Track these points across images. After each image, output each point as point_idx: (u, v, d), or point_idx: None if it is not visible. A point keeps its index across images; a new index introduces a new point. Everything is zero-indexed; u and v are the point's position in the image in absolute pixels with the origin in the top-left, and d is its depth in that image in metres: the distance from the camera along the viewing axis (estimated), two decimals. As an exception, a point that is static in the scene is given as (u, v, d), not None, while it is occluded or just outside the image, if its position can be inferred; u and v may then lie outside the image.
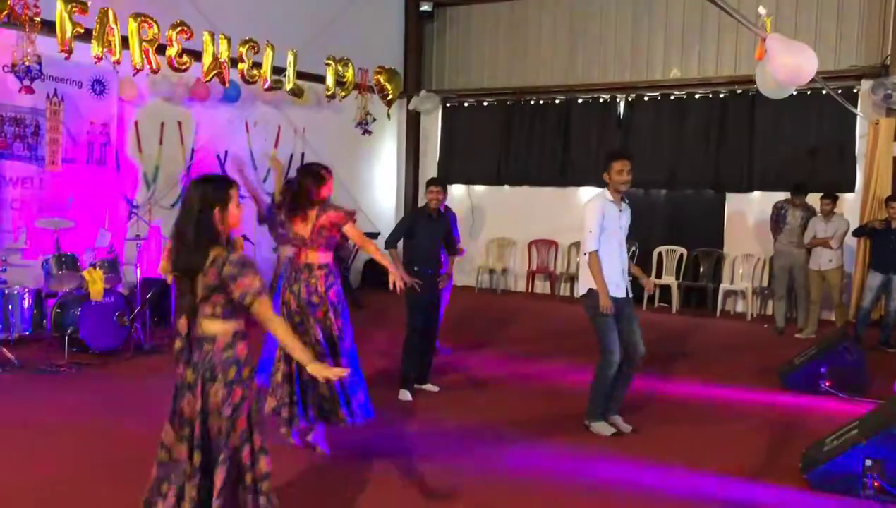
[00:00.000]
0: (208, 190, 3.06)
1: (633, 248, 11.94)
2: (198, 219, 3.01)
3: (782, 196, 10.07)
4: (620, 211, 5.61)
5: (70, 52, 7.83)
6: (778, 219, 9.97)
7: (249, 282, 2.98)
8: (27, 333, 7.86)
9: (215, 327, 3.06)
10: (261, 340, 5.45)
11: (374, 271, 12.39)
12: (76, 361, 7.25)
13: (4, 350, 7.13)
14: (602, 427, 5.70)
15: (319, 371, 3.07)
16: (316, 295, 4.93)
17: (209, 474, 3.09)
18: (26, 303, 7.86)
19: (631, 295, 5.74)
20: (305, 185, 4.97)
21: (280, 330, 3.12)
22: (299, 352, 3.13)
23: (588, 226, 5.49)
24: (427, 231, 6.73)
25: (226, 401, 3.06)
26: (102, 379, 6.89)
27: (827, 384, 6.87)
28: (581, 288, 5.73)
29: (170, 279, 3.25)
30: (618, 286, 5.57)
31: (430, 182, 6.93)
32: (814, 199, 9.79)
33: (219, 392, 3.06)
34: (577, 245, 12.56)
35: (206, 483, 3.08)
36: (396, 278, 5.12)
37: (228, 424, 3.06)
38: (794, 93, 10.15)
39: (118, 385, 6.75)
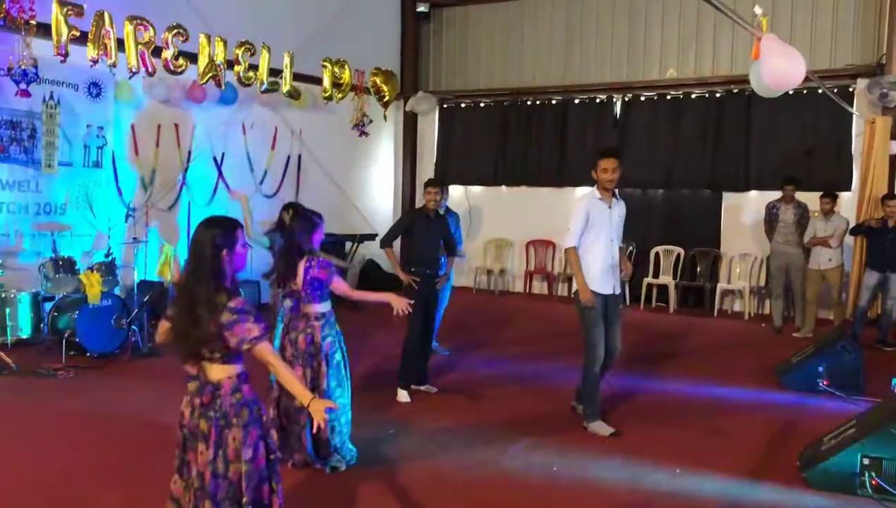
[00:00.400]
0: (217, 233, 3.06)
1: (631, 248, 11.94)
2: (210, 264, 3.01)
3: (779, 195, 10.09)
4: (611, 207, 5.71)
5: (66, 55, 7.82)
6: (771, 218, 9.99)
7: (248, 330, 2.95)
8: (24, 337, 7.85)
9: (219, 373, 3.03)
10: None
11: (373, 273, 12.40)
12: (74, 364, 7.24)
13: (2, 353, 7.12)
14: (600, 427, 5.71)
15: (318, 409, 3.03)
16: (313, 345, 4.91)
17: None
18: (24, 307, 7.86)
19: (619, 292, 5.82)
20: (296, 234, 4.97)
21: (282, 370, 3.09)
22: (301, 391, 3.09)
23: (569, 224, 5.69)
24: (425, 232, 6.74)
25: (245, 443, 3.04)
26: (100, 383, 6.89)
27: (824, 383, 6.88)
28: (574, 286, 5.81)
29: (165, 332, 3.19)
30: (604, 282, 5.67)
31: (428, 183, 6.96)
32: (810, 198, 9.81)
33: (237, 436, 3.04)
34: (574, 245, 12.57)
35: None
36: (398, 307, 5.02)
37: (249, 466, 3.05)
38: (791, 92, 10.22)
39: (116, 388, 6.74)
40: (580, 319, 5.72)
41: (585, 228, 5.66)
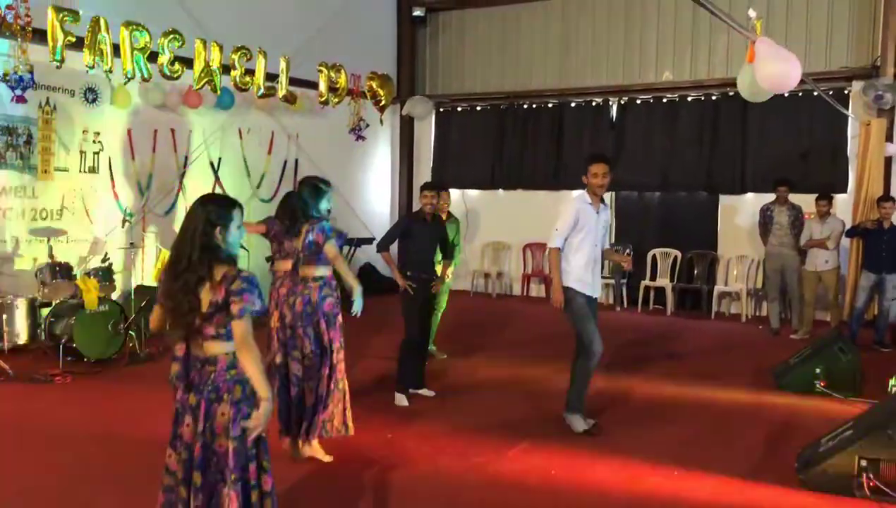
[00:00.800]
0: (211, 209, 3.10)
1: (628, 250, 11.96)
2: (200, 237, 3.04)
3: (774, 197, 10.10)
4: (598, 212, 5.80)
5: (62, 60, 7.83)
6: (766, 221, 10.01)
7: (251, 301, 3.00)
8: (21, 342, 7.84)
9: (217, 348, 3.06)
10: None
11: (370, 276, 12.40)
12: (71, 370, 7.23)
13: (-1, 359, 7.12)
14: (576, 421, 5.76)
15: (259, 419, 3.01)
16: (310, 305, 5.00)
17: (211, 495, 3.09)
18: (20, 312, 7.84)
19: (597, 296, 5.92)
20: (303, 198, 5.11)
21: (251, 355, 3.03)
22: (261, 383, 3.04)
23: (557, 224, 5.73)
24: (421, 235, 6.75)
25: (235, 420, 3.05)
26: (97, 388, 6.88)
27: (822, 384, 6.88)
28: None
29: (160, 308, 3.24)
30: (588, 285, 5.75)
31: (424, 186, 6.96)
32: (806, 200, 9.83)
33: (226, 412, 3.06)
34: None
35: (208, 503, 3.09)
36: (356, 308, 5.23)
37: (238, 443, 3.06)
38: (786, 95, 10.26)
39: (113, 394, 6.73)
40: (571, 320, 5.75)
41: (573, 231, 5.70)
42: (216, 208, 3.12)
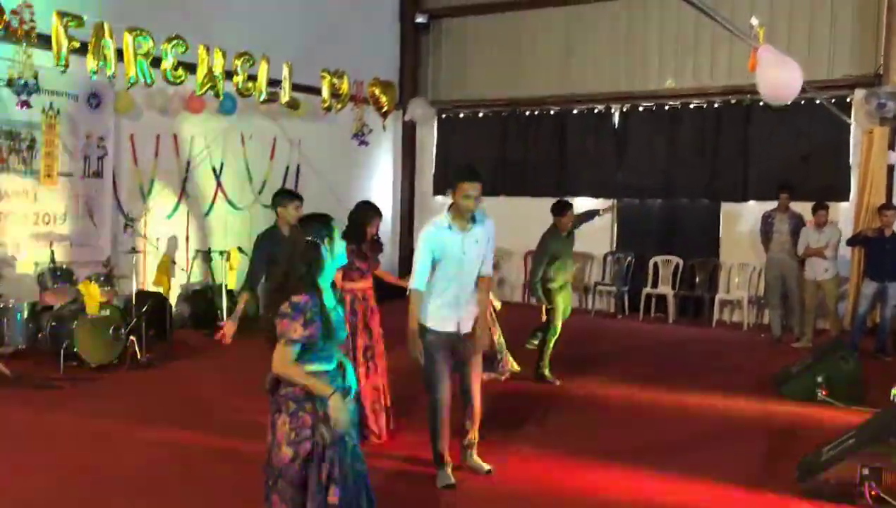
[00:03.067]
0: (316, 227, 3.22)
1: (629, 258, 11.97)
2: (298, 257, 3.16)
3: (776, 205, 10.09)
4: (466, 233, 4.78)
5: (66, 65, 7.85)
6: (767, 228, 10.00)
7: (292, 328, 3.05)
8: (22, 347, 7.84)
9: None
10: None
11: (375, 283, 12.38)
12: (72, 375, 7.23)
13: (0, 364, 7.11)
14: (440, 476, 4.90)
15: (338, 406, 3.09)
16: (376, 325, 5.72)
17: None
18: (22, 317, 7.84)
19: (469, 331, 4.87)
20: (366, 223, 5.72)
21: (289, 377, 3.12)
22: (317, 387, 3.12)
23: (413, 263, 4.82)
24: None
25: (287, 435, 3.13)
26: (98, 393, 6.88)
27: (823, 392, 6.87)
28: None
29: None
30: (446, 320, 4.81)
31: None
32: (807, 208, 9.81)
33: (285, 424, 3.14)
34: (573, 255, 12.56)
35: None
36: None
37: (292, 454, 3.13)
38: (788, 102, 10.25)
39: (114, 399, 6.73)
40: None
41: (438, 262, 4.78)
42: (317, 227, 3.22)
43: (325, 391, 3.10)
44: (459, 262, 4.76)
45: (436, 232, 4.77)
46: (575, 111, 12.76)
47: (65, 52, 7.77)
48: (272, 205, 6.16)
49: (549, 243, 7.79)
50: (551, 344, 7.62)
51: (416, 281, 4.77)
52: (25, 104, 7.83)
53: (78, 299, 7.70)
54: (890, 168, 10.37)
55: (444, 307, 4.80)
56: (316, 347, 3.13)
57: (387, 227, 13.54)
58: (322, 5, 11.82)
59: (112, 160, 9.28)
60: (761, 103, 10.50)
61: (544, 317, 7.71)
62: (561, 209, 7.86)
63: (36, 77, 7.78)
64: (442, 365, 4.81)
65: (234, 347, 5.64)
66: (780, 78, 5.29)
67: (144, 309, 8.11)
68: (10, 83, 7.75)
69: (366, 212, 5.81)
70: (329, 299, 3.22)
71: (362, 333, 5.61)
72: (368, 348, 5.63)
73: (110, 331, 7.62)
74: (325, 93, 10.91)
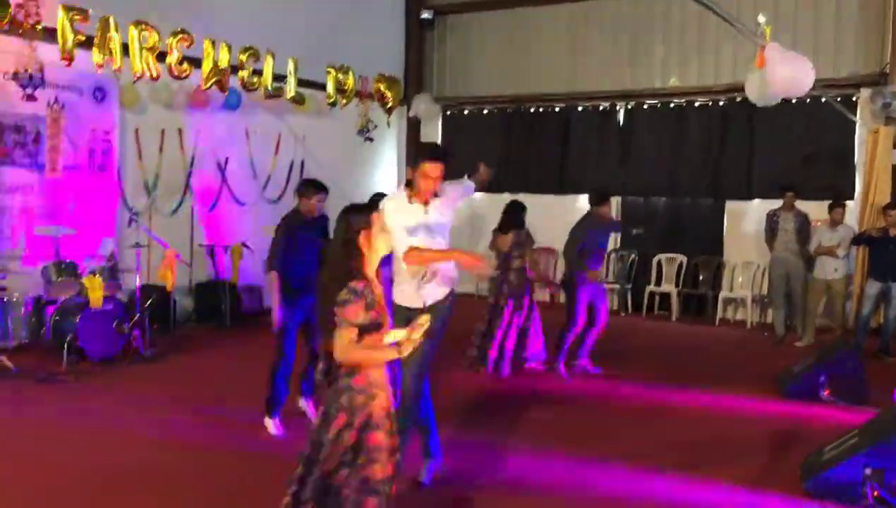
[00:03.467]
0: (354, 217, 3.29)
1: (633, 256, 11.96)
2: (345, 244, 3.24)
3: (781, 203, 10.08)
4: (427, 210, 4.55)
5: (71, 59, 7.86)
6: (772, 227, 9.98)
7: (353, 312, 3.10)
8: (26, 341, 7.86)
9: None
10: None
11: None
12: (75, 369, 7.25)
13: (3, 357, 7.13)
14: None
15: (408, 342, 3.20)
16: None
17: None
18: (26, 311, 7.86)
19: (431, 303, 4.59)
20: None
21: (356, 360, 3.16)
22: (384, 351, 3.22)
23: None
24: None
25: (330, 424, 3.18)
26: (101, 387, 6.89)
27: (826, 392, 6.86)
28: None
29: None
30: (411, 296, 4.60)
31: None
32: (813, 207, 9.81)
33: (343, 417, 3.18)
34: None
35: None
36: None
37: (333, 446, 3.18)
38: (794, 101, 10.23)
39: (117, 393, 6.74)
40: None
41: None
42: (357, 216, 3.29)
43: (391, 353, 3.20)
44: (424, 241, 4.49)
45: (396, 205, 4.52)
46: (579, 108, 12.74)
47: (70, 45, 7.78)
48: (296, 190, 6.18)
49: (585, 228, 7.78)
50: (571, 336, 7.70)
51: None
52: (31, 98, 7.84)
53: (82, 293, 7.71)
54: (895, 167, 10.34)
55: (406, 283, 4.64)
56: (372, 332, 3.18)
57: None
58: (327, 1, 11.81)
59: (117, 154, 9.29)
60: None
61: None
62: (600, 198, 7.87)
63: (41, 70, 7.79)
64: None
65: (237, 341, 5.67)
66: (790, 74, 5.26)
67: (148, 304, 8.12)
68: (15, 76, 7.76)
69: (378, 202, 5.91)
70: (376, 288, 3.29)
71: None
72: None
73: (114, 325, 7.63)
74: (330, 88, 10.91)
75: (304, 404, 5.95)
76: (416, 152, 4.61)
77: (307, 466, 3.20)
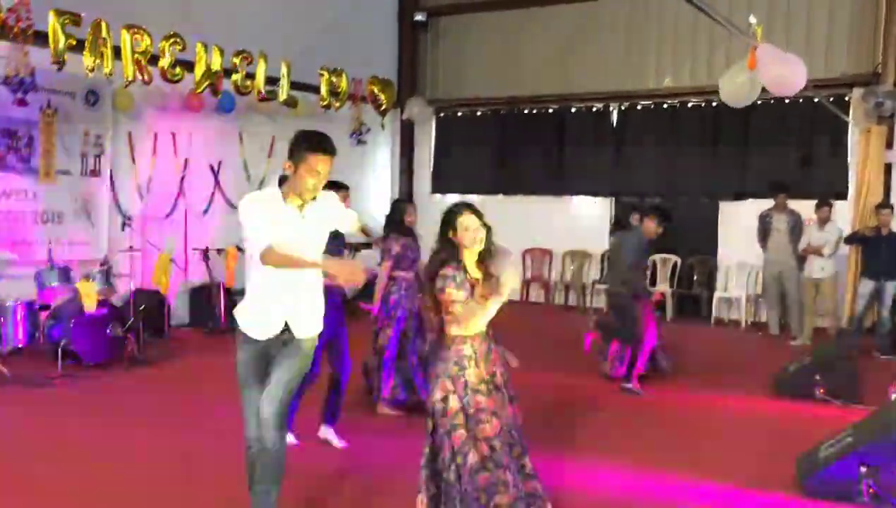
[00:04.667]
0: (445, 214, 3.77)
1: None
2: (440, 240, 3.76)
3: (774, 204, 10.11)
4: (303, 215, 3.70)
5: (63, 63, 7.84)
6: (765, 227, 10.01)
7: (455, 292, 3.60)
8: (20, 346, 7.83)
9: (447, 328, 3.70)
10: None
11: (369, 282, 12.38)
12: (69, 373, 7.22)
13: (-3, 362, 7.11)
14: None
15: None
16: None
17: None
18: (19, 315, 7.83)
19: (295, 335, 3.75)
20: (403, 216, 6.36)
21: (484, 312, 3.66)
22: (493, 304, 3.68)
23: (253, 230, 3.60)
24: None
25: (434, 391, 3.64)
26: (96, 392, 6.87)
27: (821, 391, 6.87)
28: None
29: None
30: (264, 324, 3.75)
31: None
32: (806, 206, 9.83)
33: (440, 383, 3.64)
34: (571, 254, 12.60)
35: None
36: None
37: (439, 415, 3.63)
38: (787, 101, 10.27)
39: (112, 397, 6.72)
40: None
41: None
42: (446, 213, 3.76)
43: (495, 302, 3.65)
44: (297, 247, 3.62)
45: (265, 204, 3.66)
46: (573, 110, 12.76)
47: (62, 49, 7.76)
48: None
49: (638, 246, 7.57)
50: (644, 355, 7.24)
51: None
52: (22, 102, 7.82)
53: (76, 298, 7.68)
54: (888, 166, 10.39)
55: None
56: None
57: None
58: (320, 3, 11.81)
59: (110, 158, 9.27)
60: (759, 102, 10.51)
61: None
62: (648, 213, 7.66)
63: (32, 74, 7.76)
64: None
65: (231, 345, 5.62)
66: (782, 74, 5.30)
67: (142, 308, 8.10)
68: (6, 81, 7.73)
69: (398, 205, 6.61)
70: None
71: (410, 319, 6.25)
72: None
73: (108, 330, 7.61)
74: (324, 91, 10.91)
75: (326, 431, 5.55)
76: (300, 140, 3.66)
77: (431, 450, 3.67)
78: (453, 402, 3.58)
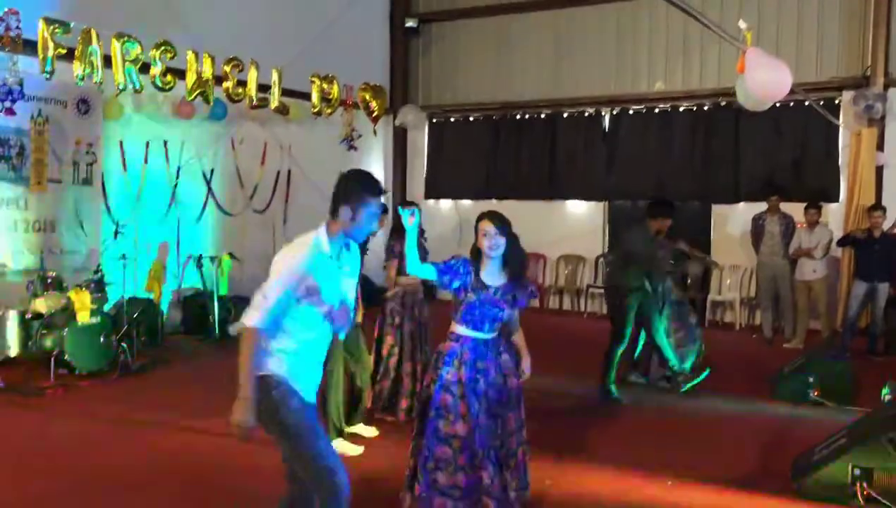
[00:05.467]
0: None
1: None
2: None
3: (767, 207, 10.15)
4: (340, 259, 3.39)
5: (51, 72, 7.81)
6: (758, 230, 10.04)
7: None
8: (12, 355, 7.79)
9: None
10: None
11: (364, 287, 12.36)
12: (62, 383, 7.19)
13: (-11, 372, 7.08)
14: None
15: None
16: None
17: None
18: (11, 324, 7.79)
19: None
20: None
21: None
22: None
23: (266, 288, 3.19)
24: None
25: (425, 379, 4.06)
26: (89, 401, 6.84)
27: (815, 393, 6.89)
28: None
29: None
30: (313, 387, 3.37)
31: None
32: (798, 209, 9.86)
33: (428, 373, 4.03)
34: (565, 258, 12.61)
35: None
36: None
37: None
38: (778, 104, 10.29)
39: (105, 406, 6.69)
40: (286, 437, 3.26)
41: (300, 294, 3.23)
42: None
43: None
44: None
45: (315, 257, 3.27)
46: (565, 114, 12.78)
47: (51, 57, 7.73)
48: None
49: (636, 240, 7.27)
50: (618, 356, 7.08)
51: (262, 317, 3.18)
52: (10, 111, 7.78)
53: (68, 306, 7.64)
54: (879, 169, 10.43)
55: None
56: None
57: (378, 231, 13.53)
58: (311, 10, 11.82)
59: (101, 166, 9.24)
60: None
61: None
62: (652, 210, 7.31)
63: (21, 84, 7.73)
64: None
65: (225, 353, 5.61)
66: (769, 79, 5.32)
67: (135, 316, 8.07)
68: (-5, 90, 7.71)
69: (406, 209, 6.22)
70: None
71: (410, 322, 6.31)
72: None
73: (101, 338, 7.58)
74: (315, 97, 10.91)
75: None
76: (359, 184, 3.37)
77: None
78: (432, 392, 3.85)
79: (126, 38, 8.34)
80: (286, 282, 3.17)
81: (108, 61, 8.25)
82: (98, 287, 8.10)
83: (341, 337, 4.10)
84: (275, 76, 10.19)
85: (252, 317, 3.14)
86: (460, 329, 3.98)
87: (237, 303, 10.36)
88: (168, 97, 9.48)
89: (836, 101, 10.76)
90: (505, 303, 4.01)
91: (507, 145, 13.21)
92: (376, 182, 3.41)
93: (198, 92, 9.21)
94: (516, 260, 4.09)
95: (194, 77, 9.13)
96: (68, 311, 7.60)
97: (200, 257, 10.02)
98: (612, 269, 7.58)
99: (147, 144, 9.74)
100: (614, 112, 12.38)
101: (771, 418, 6.58)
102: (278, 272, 3.19)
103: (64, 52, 7.83)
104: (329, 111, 11.17)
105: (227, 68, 9.52)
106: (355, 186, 3.35)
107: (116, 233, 9.01)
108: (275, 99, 10.26)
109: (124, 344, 7.80)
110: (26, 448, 5.56)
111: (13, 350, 7.76)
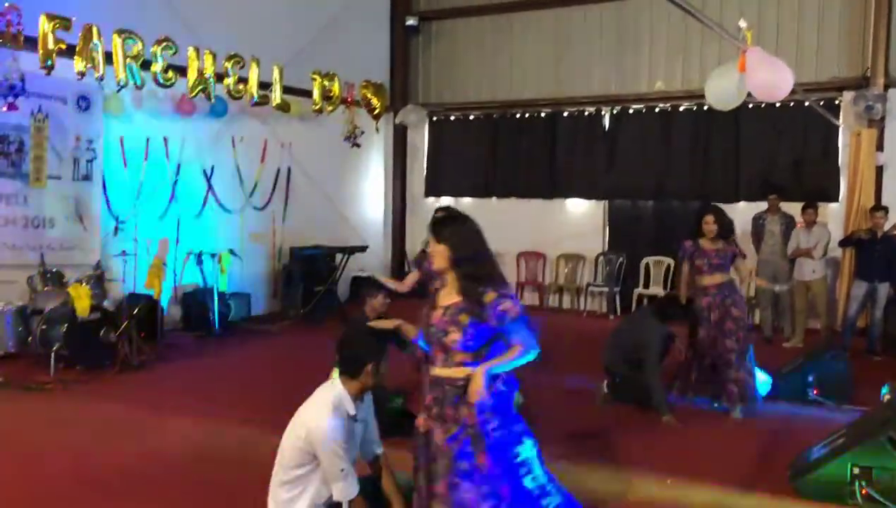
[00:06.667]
0: None
1: (621, 259, 11.99)
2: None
3: (767, 206, 10.15)
4: (357, 420, 3.55)
5: (51, 68, 7.82)
6: (758, 230, 10.04)
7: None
8: (13, 350, 7.80)
9: None
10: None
11: (363, 286, 12.36)
12: (62, 378, 7.20)
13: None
14: None
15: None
16: None
17: None
18: (11, 320, 7.80)
19: None
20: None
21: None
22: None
23: (336, 462, 3.42)
24: None
25: None
26: (89, 397, 6.84)
27: (815, 392, 6.90)
28: None
29: None
30: None
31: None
32: (797, 209, 9.86)
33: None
34: (565, 257, 12.61)
35: None
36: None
37: None
38: (778, 105, 10.32)
39: (105, 402, 6.69)
40: None
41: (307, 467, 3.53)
42: None
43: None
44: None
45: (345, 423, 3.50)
46: (565, 113, 12.78)
47: (52, 49, 7.73)
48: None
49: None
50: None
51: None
52: (12, 107, 7.79)
53: (68, 302, 7.66)
54: (879, 169, 10.43)
55: None
56: None
57: (377, 230, 13.55)
58: (312, 8, 11.81)
59: (101, 163, 9.24)
60: (750, 105, 10.58)
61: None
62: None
63: (22, 79, 7.73)
64: None
65: (225, 349, 5.65)
66: (769, 79, 5.32)
67: (135, 312, 8.08)
68: (-4, 86, 7.71)
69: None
70: None
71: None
72: None
73: (101, 334, 7.58)
74: (316, 95, 10.91)
75: None
76: (371, 349, 3.61)
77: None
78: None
79: (127, 35, 8.34)
80: (345, 448, 3.41)
81: (109, 57, 8.25)
82: (98, 283, 8.11)
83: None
84: (276, 73, 10.19)
85: (350, 488, 3.42)
86: None
87: (236, 300, 10.41)
88: (169, 93, 9.47)
89: (836, 102, 10.76)
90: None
91: (508, 143, 13.21)
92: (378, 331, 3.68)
93: (199, 89, 9.21)
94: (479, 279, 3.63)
95: (195, 74, 9.13)
96: (68, 307, 7.61)
97: (201, 254, 10.03)
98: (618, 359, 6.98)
99: (147, 141, 9.74)
100: (614, 111, 12.37)
101: (770, 417, 6.58)
102: (333, 442, 3.37)
103: (65, 47, 7.84)
104: (331, 108, 11.17)
105: (229, 65, 9.52)
106: (372, 342, 3.59)
107: (116, 229, 9.00)
108: (276, 96, 10.26)
109: (124, 340, 7.79)
110: (26, 444, 5.56)
111: (13, 345, 7.79)
